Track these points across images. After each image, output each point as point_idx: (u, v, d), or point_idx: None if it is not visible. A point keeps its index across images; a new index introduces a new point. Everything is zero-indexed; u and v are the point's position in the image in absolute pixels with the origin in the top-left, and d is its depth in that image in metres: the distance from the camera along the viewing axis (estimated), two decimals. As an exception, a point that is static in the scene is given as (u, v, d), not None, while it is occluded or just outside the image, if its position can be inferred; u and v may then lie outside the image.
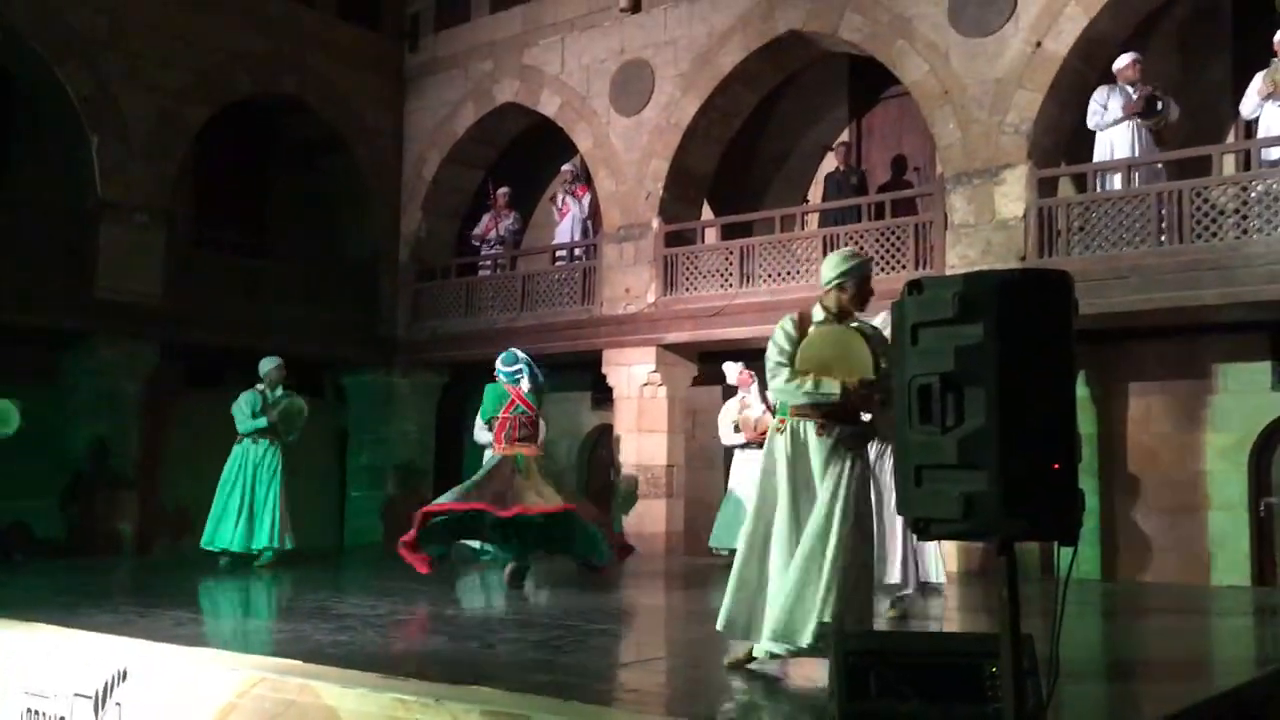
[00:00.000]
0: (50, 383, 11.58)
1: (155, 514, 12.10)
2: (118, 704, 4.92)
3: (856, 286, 4.77)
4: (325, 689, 4.25)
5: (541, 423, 8.68)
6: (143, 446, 11.91)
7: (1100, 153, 9.56)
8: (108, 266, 11.51)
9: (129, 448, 11.72)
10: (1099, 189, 9.53)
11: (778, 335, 4.79)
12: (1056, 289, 2.84)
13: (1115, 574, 9.96)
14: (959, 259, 9.70)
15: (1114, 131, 9.41)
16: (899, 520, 6.24)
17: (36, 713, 5.25)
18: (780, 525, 4.68)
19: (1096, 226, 9.24)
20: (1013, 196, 9.59)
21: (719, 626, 4.84)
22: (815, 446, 4.67)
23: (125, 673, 4.96)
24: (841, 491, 4.60)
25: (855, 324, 4.81)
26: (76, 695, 5.08)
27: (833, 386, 4.61)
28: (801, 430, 4.71)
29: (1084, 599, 8.02)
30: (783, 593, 4.58)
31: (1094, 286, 8.49)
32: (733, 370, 10.22)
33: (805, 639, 4.52)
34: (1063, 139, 9.98)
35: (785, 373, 4.70)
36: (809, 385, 4.63)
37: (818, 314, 4.83)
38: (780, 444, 4.75)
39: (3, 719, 5.38)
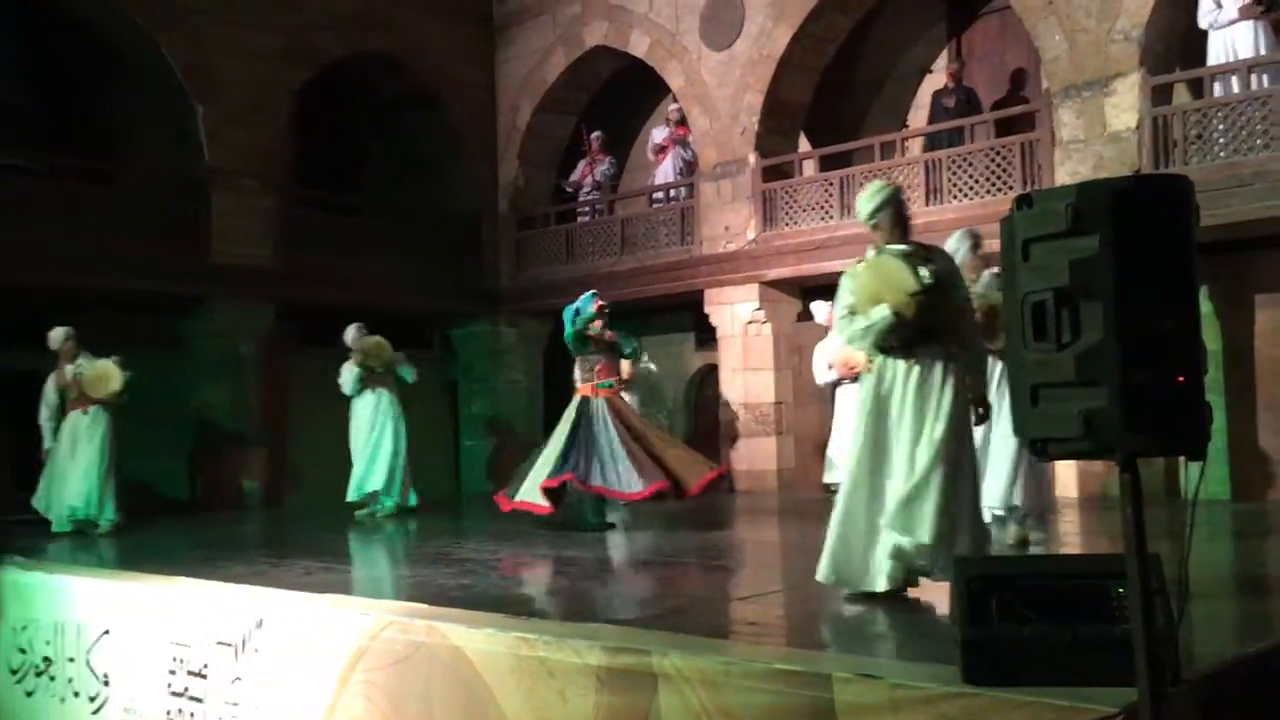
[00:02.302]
0: (172, 348, 12.02)
1: (279, 469, 12.53)
2: (256, 650, 5.13)
3: (890, 220, 4.80)
4: (452, 630, 4.36)
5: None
6: (263, 404, 12.32)
7: (1216, 54, 9.09)
8: (220, 231, 11.87)
9: (251, 407, 12.13)
10: (1216, 94, 9.08)
11: (840, 291, 4.87)
12: (1175, 195, 2.71)
13: (1245, 494, 9.62)
14: (1069, 176, 9.37)
15: (1232, 30, 8.93)
16: (1012, 444, 6.08)
17: (182, 660, 5.51)
18: (872, 464, 4.67)
19: (1215, 133, 8.82)
20: (1124, 107, 9.21)
21: (819, 577, 4.79)
22: (904, 377, 4.66)
23: (262, 620, 5.16)
24: (945, 412, 4.58)
25: (896, 247, 4.79)
26: (218, 643, 5.32)
27: (883, 311, 4.62)
28: (889, 365, 4.71)
29: (1213, 519, 7.78)
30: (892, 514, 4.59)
31: (1215, 196, 8.11)
32: (821, 310, 9.91)
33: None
34: (1176, 43, 9.52)
35: (845, 324, 4.80)
36: (864, 322, 4.67)
37: (870, 255, 4.87)
38: (869, 384, 4.78)
39: (151, 667, 5.67)
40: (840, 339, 4.92)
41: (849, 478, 4.77)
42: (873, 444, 4.69)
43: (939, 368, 4.66)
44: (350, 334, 10.33)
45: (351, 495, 10.11)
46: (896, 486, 4.59)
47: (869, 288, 4.70)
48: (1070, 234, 2.67)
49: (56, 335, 9.37)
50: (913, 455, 4.58)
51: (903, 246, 4.79)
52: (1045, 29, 9.71)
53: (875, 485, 4.67)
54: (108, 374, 9.31)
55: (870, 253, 4.88)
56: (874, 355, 4.79)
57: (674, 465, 8.03)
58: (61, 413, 9.40)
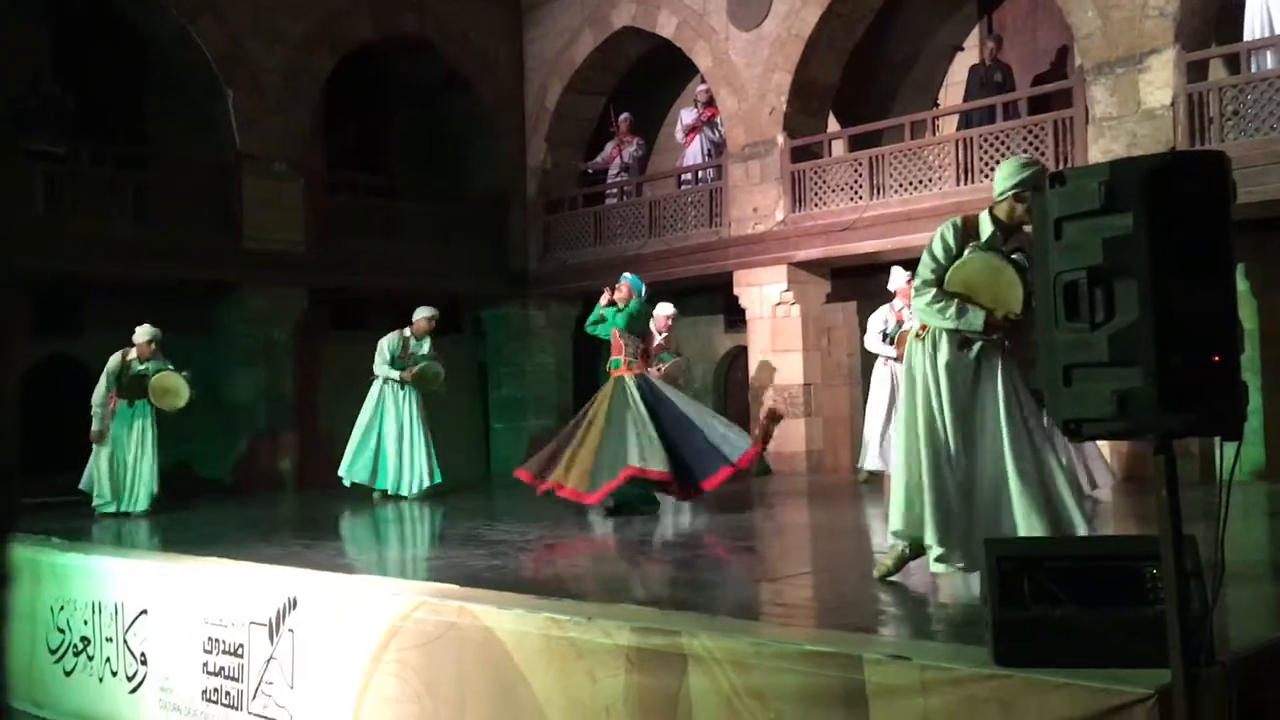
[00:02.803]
0: (206, 334, 12.13)
1: (311, 452, 12.62)
2: (290, 630, 5.19)
3: (1019, 204, 4.45)
4: (483, 611, 4.39)
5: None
6: (296, 389, 12.41)
7: (1251, 27, 8.94)
8: (252, 217, 11.93)
9: (284, 390, 12.23)
10: (1253, 69, 8.93)
11: (935, 246, 4.57)
12: (1211, 171, 2.68)
13: (1281, 475, 9.52)
14: (1102, 154, 9.25)
15: (1269, 2, 8.77)
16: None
17: (217, 640, 5.58)
18: (933, 440, 4.49)
19: (1252, 109, 8.68)
20: (1159, 84, 9.08)
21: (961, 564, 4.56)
22: (953, 360, 4.50)
23: (295, 601, 5.22)
24: (1003, 404, 4.42)
25: (1017, 254, 4.51)
26: (252, 623, 5.38)
27: (976, 318, 4.42)
28: (942, 341, 4.54)
29: (1249, 500, 7.71)
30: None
31: (1252, 173, 8.00)
32: (900, 276, 9.50)
33: None
34: (1212, 17, 9.37)
35: (930, 293, 4.51)
36: (952, 311, 4.44)
37: (986, 224, 4.55)
38: (920, 355, 4.59)
39: (187, 647, 5.74)
40: (915, 301, 4.63)
41: (932, 457, 4.48)
42: (957, 420, 4.48)
43: (999, 356, 4.50)
44: (421, 315, 10.20)
45: (413, 490, 10.05)
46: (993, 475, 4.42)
47: (973, 279, 4.46)
48: (1103, 212, 2.65)
49: (144, 333, 9.46)
50: (992, 445, 4.45)
51: (1023, 256, 4.45)
52: (1078, 5, 9.58)
53: (962, 464, 4.47)
54: (177, 391, 9.42)
55: (986, 224, 4.55)
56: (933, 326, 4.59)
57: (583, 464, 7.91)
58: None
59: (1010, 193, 4.48)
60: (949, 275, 4.50)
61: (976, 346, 4.51)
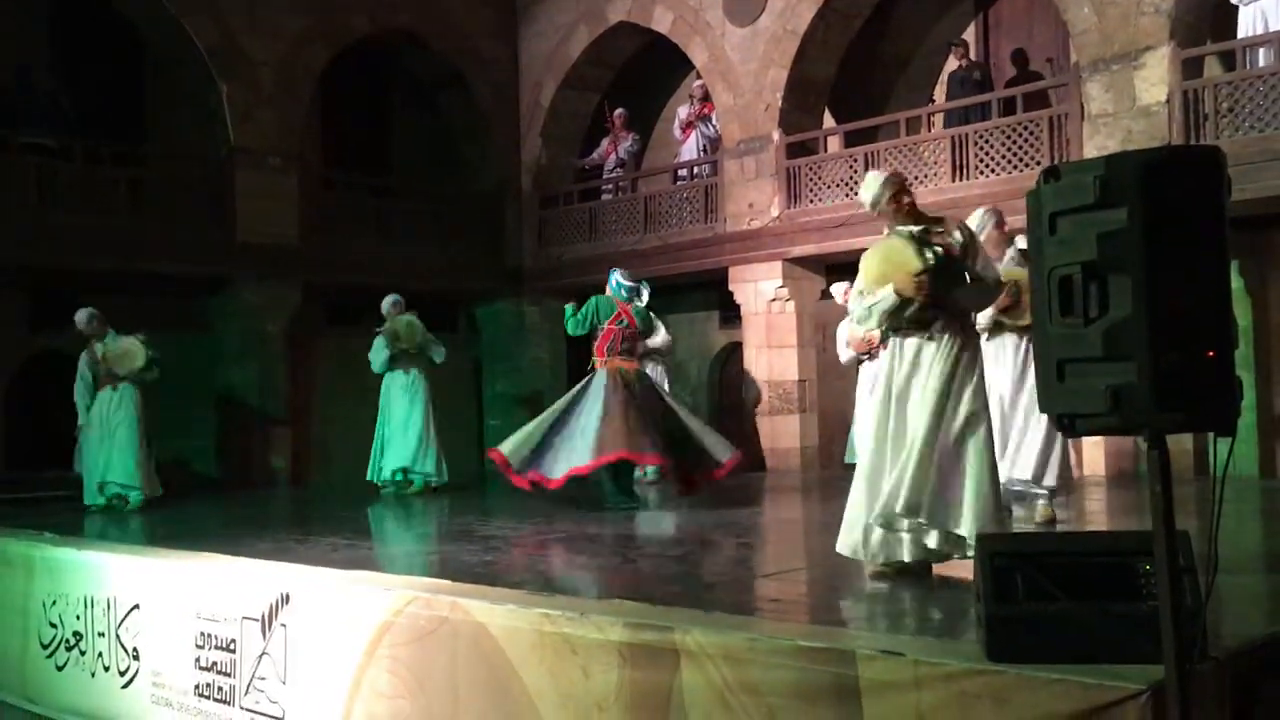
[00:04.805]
0: (200, 329, 12.10)
1: (305, 447, 12.60)
2: (283, 625, 5.17)
3: (893, 205, 4.86)
4: (475, 606, 4.38)
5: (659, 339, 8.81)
6: (290, 384, 12.39)
7: (1246, 26, 8.96)
8: (246, 211, 11.92)
9: (277, 386, 12.21)
10: (1248, 66, 8.94)
11: (860, 271, 4.90)
12: (1206, 167, 2.67)
13: (1275, 471, 9.53)
14: (1097, 151, 9.25)
15: (1264, 2, 8.79)
16: (1031, 419, 6.13)
17: (210, 635, 5.57)
18: (883, 445, 4.67)
19: (1247, 107, 8.69)
20: (1154, 80, 9.09)
21: (838, 549, 4.80)
22: (914, 355, 4.65)
23: (288, 596, 5.20)
24: (939, 388, 4.54)
25: (905, 228, 4.79)
26: (245, 618, 5.37)
27: (886, 292, 4.63)
28: (901, 344, 4.72)
29: (1242, 497, 7.71)
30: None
31: (1247, 170, 8.01)
32: (840, 290, 9.81)
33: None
34: (1207, 15, 9.38)
35: (854, 303, 4.87)
36: (870, 301, 4.70)
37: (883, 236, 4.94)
38: (882, 364, 4.87)
39: (180, 642, 5.73)
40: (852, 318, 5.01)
41: (865, 458, 4.77)
42: (884, 425, 4.68)
43: (949, 342, 4.62)
44: (386, 305, 10.30)
45: (383, 475, 10.09)
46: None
47: (877, 269, 4.76)
48: (1098, 207, 2.64)
49: (81, 317, 9.44)
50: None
51: (911, 227, 4.78)
52: (1074, 1, 9.58)
53: (882, 466, 4.64)
54: (132, 351, 9.41)
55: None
56: (888, 335, 4.81)
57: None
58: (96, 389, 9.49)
59: (874, 211, 4.96)
60: (865, 281, 4.81)
61: (926, 334, 4.64)
